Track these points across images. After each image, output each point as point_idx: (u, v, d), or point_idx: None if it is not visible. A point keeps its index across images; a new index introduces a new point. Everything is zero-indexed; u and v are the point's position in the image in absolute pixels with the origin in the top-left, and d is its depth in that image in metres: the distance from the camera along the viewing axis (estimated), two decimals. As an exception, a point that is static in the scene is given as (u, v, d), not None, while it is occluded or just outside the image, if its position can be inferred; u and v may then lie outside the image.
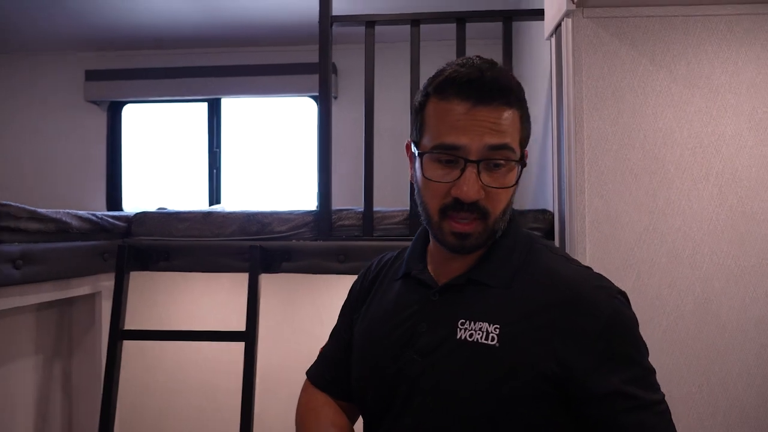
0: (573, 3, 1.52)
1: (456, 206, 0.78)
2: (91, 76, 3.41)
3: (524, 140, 0.81)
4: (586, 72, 1.55)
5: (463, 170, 0.76)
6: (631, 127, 1.53)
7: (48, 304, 1.79)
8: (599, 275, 0.82)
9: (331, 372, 0.97)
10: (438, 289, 0.84)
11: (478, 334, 0.77)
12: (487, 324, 0.77)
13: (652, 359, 0.78)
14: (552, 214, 1.91)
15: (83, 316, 1.97)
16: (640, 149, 1.52)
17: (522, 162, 0.80)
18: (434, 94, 0.79)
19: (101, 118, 3.56)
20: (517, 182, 0.80)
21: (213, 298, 2.83)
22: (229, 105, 3.59)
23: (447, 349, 0.78)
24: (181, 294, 2.87)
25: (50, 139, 3.54)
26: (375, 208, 1.98)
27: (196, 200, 3.56)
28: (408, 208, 1.96)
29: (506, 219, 0.82)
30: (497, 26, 2.02)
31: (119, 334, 1.78)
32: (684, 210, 1.52)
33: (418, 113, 0.83)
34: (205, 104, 3.54)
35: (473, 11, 2.00)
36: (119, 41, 3.33)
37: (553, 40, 1.72)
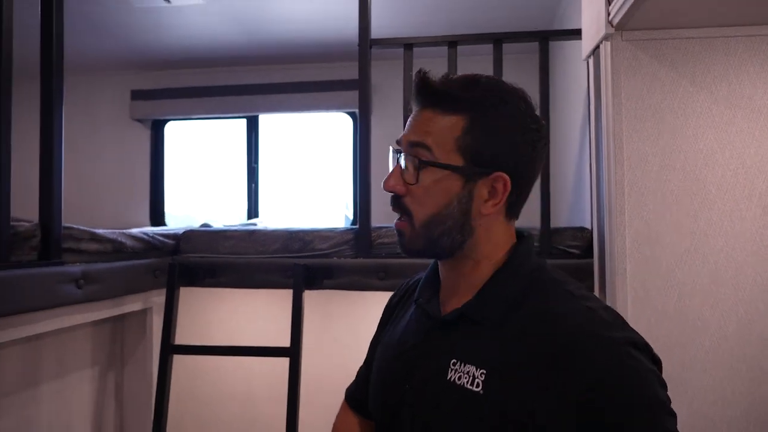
0: (612, 27, 1.54)
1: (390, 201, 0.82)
2: (136, 95, 3.56)
3: (467, 148, 0.76)
4: (625, 94, 1.56)
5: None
6: (672, 148, 1.54)
7: (103, 319, 1.89)
8: (608, 319, 0.71)
9: (361, 392, 0.99)
10: (438, 323, 0.82)
11: (466, 378, 0.74)
12: (474, 368, 0.74)
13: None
14: (590, 232, 1.92)
15: (135, 330, 2.06)
16: (680, 170, 1.53)
17: (453, 168, 0.76)
18: None
19: (145, 135, 3.70)
20: (468, 192, 0.77)
21: (254, 311, 2.91)
22: (267, 120, 3.69)
23: (438, 388, 0.77)
24: (224, 306, 2.96)
25: (97, 157, 3.70)
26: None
27: (235, 214, 3.67)
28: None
29: (447, 229, 0.78)
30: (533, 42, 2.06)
31: (170, 348, 1.86)
32: (726, 231, 1.52)
33: None
34: (244, 120, 3.65)
35: (510, 32, 2.03)
36: (162, 61, 3.47)
37: (591, 61, 1.74)
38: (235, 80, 3.51)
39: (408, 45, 2.06)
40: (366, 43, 2.09)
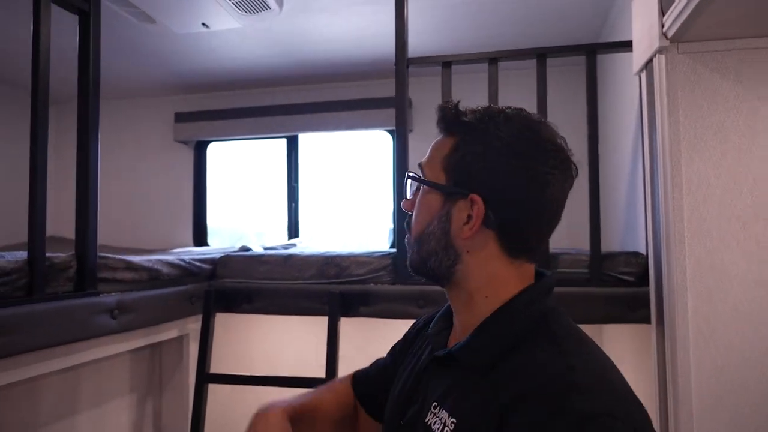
0: (666, 39, 1.42)
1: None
2: (180, 118, 3.62)
3: (451, 168, 0.76)
4: (683, 111, 1.44)
5: None
6: (737, 170, 1.40)
7: (141, 346, 1.88)
8: (580, 384, 0.63)
9: (368, 380, 1.01)
10: (435, 359, 0.80)
11: (438, 424, 0.71)
12: (447, 415, 0.71)
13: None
14: (644, 258, 1.79)
15: (172, 356, 2.05)
16: (748, 194, 1.39)
17: (433, 185, 0.78)
18: None
19: (188, 156, 3.76)
20: (447, 212, 0.77)
21: (291, 337, 2.87)
22: (308, 139, 3.68)
23: (418, 429, 0.75)
24: (261, 331, 2.94)
25: (144, 178, 3.79)
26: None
27: (276, 233, 3.66)
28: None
29: (432, 250, 0.78)
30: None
31: (205, 377, 1.84)
32: (803, 261, 1.36)
33: None
34: (284, 140, 3.65)
35: (554, 47, 1.93)
36: (204, 84, 3.52)
37: (644, 75, 1.62)
38: (274, 100, 3.52)
39: (446, 63, 1.99)
40: (403, 62, 2.03)
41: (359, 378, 1.02)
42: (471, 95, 3.07)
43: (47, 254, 1.40)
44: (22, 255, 1.35)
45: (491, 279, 0.76)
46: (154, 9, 2.28)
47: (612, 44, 1.99)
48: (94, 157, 1.54)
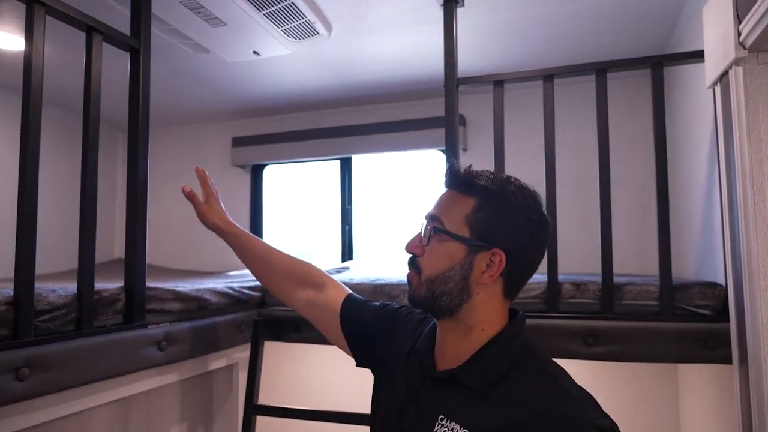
0: (744, 49, 1.28)
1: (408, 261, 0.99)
2: (237, 142, 3.69)
3: (475, 224, 0.91)
4: (765, 129, 1.28)
5: None
6: (833, 193, 1.22)
7: (190, 376, 1.88)
8: (579, 400, 0.82)
9: (356, 301, 1.24)
10: (431, 378, 0.93)
11: None
12: (458, 426, 0.85)
13: None
14: (723, 289, 1.61)
15: (222, 385, 2.04)
16: None
17: (459, 238, 0.91)
18: None
19: (245, 180, 3.83)
20: (470, 261, 0.91)
21: (338, 367, 2.82)
22: (361, 160, 3.66)
23: None
24: (309, 361, 2.91)
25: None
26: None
27: (331, 255, 3.64)
28: (545, 277, 1.77)
29: (448, 290, 0.91)
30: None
31: (253, 409, 1.81)
32: None
33: None
34: (338, 162, 3.65)
35: (616, 60, 1.80)
36: (259, 109, 3.59)
37: (718, 89, 1.47)
38: (327, 122, 3.53)
39: (498, 82, 1.90)
40: (452, 82, 1.96)
41: (350, 300, 1.24)
42: (525, 113, 2.97)
43: (96, 287, 1.41)
44: (73, 288, 1.37)
45: (490, 315, 0.93)
46: (207, 40, 2.33)
47: (680, 55, 1.83)
48: (142, 192, 1.56)
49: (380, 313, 1.18)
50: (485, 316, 0.92)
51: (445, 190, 0.99)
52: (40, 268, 1.26)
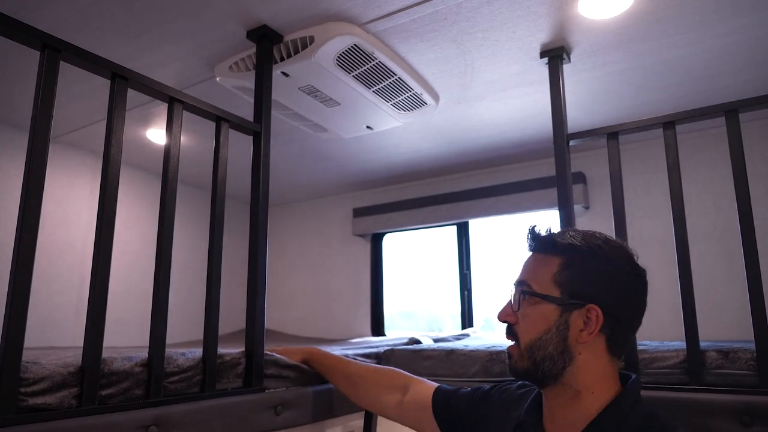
0: None
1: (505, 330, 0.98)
2: (358, 213, 3.86)
3: (563, 283, 0.91)
4: None
5: None
6: None
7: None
8: None
9: (449, 396, 1.22)
10: None
11: None
12: None
13: None
14: None
15: (339, 455, 2.03)
16: None
17: (549, 298, 0.90)
18: None
19: (366, 248, 3.95)
20: (565, 321, 0.90)
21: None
22: (478, 224, 3.63)
23: None
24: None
25: (329, 271, 4.06)
26: (639, 344, 1.63)
27: (452, 322, 3.57)
28: (681, 344, 1.57)
29: (549, 355, 0.89)
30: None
31: (368, 481, 1.76)
32: None
33: None
34: (454, 227, 3.64)
35: (749, 99, 1.62)
36: (377, 179, 3.74)
37: None
38: (442, 189, 3.57)
39: (612, 134, 1.81)
40: (562, 138, 1.90)
41: (441, 392, 1.24)
42: (644, 164, 2.77)
43: (219, 351, 1.51)
44: (199, 353, 1.48)
45: (598, 376, 0.89)
46: (324, 120, 2.51)
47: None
48: (262, 262, 1.67)
49: (473, 397, 1.17)
50: (593, 378, 0.89)
51: (529, 254, 0.99)
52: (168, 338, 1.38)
